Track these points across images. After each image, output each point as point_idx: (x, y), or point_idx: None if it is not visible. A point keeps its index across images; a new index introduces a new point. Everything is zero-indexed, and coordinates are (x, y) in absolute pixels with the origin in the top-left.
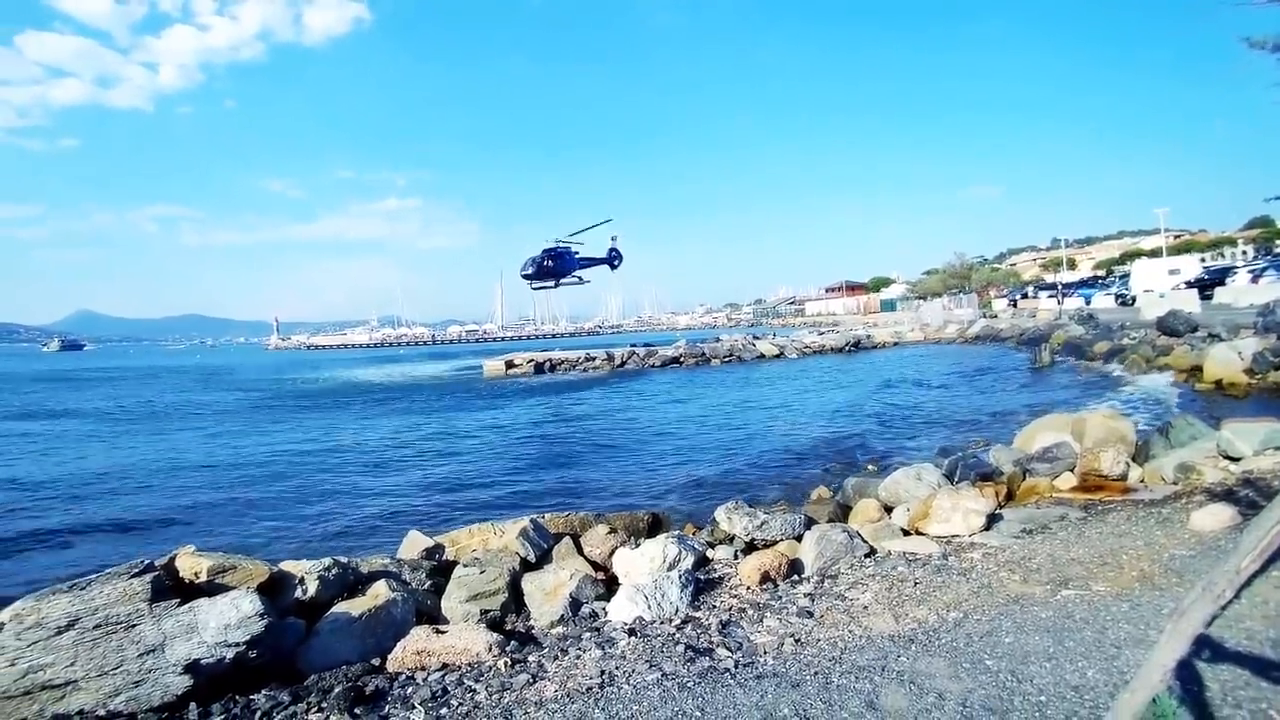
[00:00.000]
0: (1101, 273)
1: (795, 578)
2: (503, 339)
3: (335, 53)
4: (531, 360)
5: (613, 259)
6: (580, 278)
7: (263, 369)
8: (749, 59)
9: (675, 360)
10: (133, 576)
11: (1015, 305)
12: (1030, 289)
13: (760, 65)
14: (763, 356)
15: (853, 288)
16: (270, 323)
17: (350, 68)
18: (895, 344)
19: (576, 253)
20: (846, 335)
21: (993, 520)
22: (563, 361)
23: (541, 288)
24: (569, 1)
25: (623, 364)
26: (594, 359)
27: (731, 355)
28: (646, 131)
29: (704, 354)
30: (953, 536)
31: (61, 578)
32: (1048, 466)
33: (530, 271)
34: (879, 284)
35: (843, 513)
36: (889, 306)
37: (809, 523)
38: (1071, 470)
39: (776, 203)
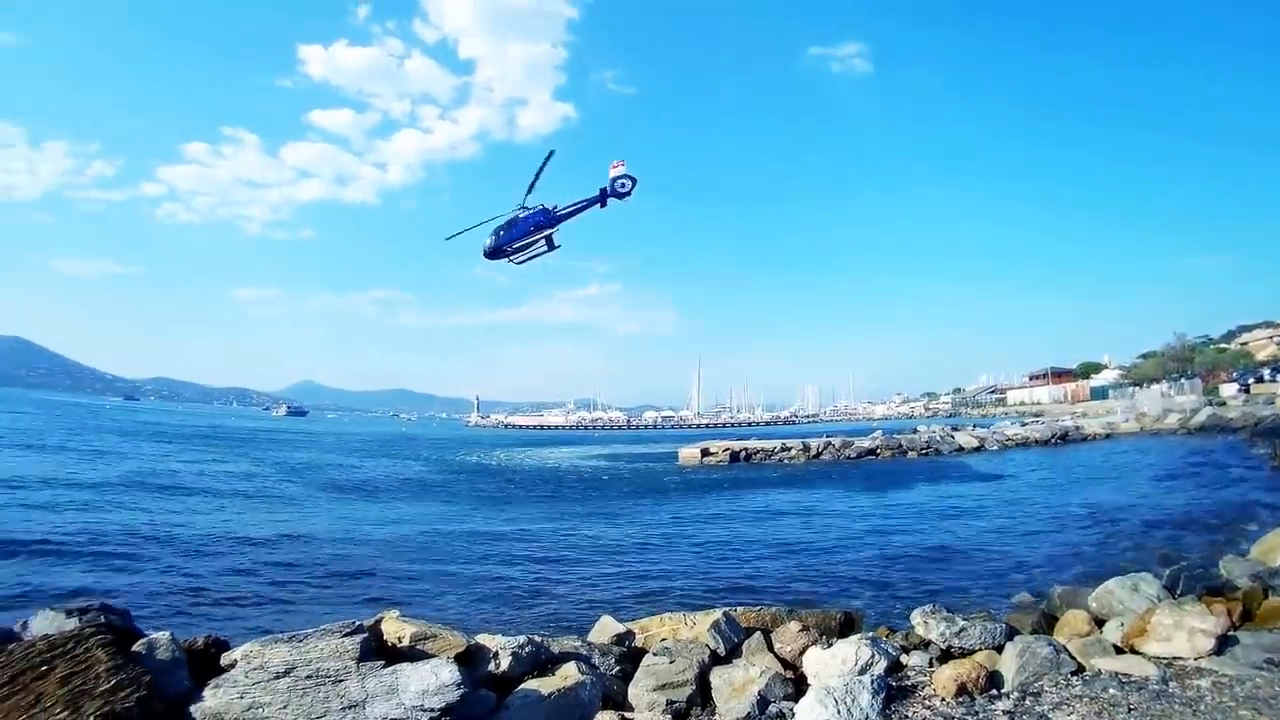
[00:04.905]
0: None
1: (994, 692)
2: (698, 426)
3: (544, 148)
4: (727, 449)
5: (619, 190)
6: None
7: (463, 444)
8: (939, 140)
9: (871, 452)
10: (344, 635)
11: (1248, 391)
12: (1266, 371)
13: (949, 144)
14: (961, 449)
15: (1059, 374)
16: (470, 400)
17: (557, 162)
18: (1107, 436)
19: (554, 208)
20: (1052, 426)
21: (1224, 643)
22: (758, 451)
23: (527, 260)
24: (762, 94)
25: (818, 454)
26: (789, 449)
27: (929, 447)
28: (842, 220)
29: (900, 446)
30: (1174, 658)
31: (268, 628)
32: None
33: (490, 248)
34: (1088, 369)
35: (1047, 623)
36: (1100, 394)
37: (1010, 633)
38: None
39: (974, 286)
